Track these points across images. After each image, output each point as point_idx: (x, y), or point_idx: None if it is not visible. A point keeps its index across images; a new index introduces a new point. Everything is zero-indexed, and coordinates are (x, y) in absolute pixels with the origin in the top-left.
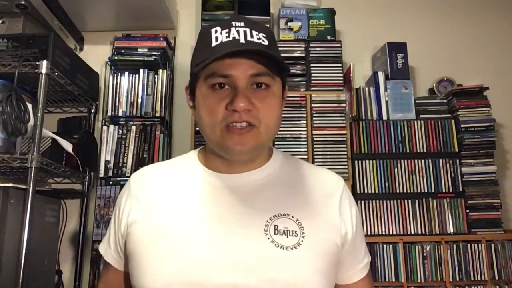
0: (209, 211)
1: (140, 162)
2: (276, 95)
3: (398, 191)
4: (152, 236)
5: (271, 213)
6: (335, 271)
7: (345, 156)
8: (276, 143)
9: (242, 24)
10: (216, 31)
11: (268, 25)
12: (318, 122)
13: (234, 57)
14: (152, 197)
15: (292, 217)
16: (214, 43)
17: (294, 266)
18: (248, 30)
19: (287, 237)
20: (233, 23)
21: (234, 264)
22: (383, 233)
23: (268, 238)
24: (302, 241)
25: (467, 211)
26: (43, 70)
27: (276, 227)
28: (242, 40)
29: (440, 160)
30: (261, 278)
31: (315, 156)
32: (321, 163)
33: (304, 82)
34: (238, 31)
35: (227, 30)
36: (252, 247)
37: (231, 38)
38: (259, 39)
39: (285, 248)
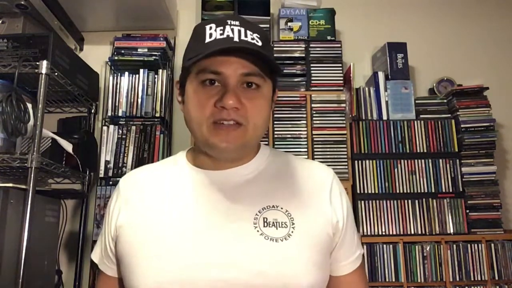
0: (197, 208)
1: (140, 162)
2: (266, 96)
3: (398, 191)
4: (141, 237)
5: (260, 206)
6: (328, 262)
7: (345, 156)
8: (276, 143)
9: (237, 23)
10: (211, 28)
11: (267, 26)
12: (318, 122)
13: (226, 54)
14: (140, 199)
15: (282, 208)
16: (208, 39)
17: (284, 258)
18: (242, 29)
19: (277, 228)
20: (229, 21)
21: (224, 260)
22: (383, 233)
23: (258, 231)
24: (292, 232)
25: (467, 211)
26: (43, 70)
27: (265, 219)
28: (236, 39)
29: (440, 160)
30: (251, 272)
31: (315, 156)
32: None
33: (304, 82)
34: (232, 30)
35: (221, 27)
36: (241, 241)
37: (225, 36)
38: (253, 39)
39: (274, 240)
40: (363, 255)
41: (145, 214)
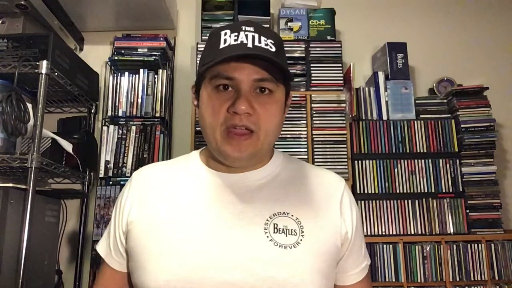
0: (209, 209)
1: (140, 162)
2: (279, 101)
3: (398, 191)
4: (152, 235)
5: (271, 211)
6: (334, 271)
7: (345, 156)
8: (276, 143)
9: (251, 29)
10: (225, 34)
11: (267, 26)
12: (318, 122)
13: (240, 60)
14: (152, 196)
15: (292, 215)
16: (222, 45)
17: (291, 265)
18: (256, 35)
19: (286, 235)
20: (243, 27)
21: (232, 262)
22: (383, 233)
23: (268, 237)
24: (301, 240)
25: (467, 211)
26: (43, 70)
27: (275, 225)
28: (250, 45)
29: (440, 160)
30: (259, 277)
31: (315, 156)
32: (321, 163)
33: (304, 82)
34: (246, 36)
35: (236, 33)
36: (250, 245)
37: (239, 42)
38: (266, 45)
39: (283, 247)
40: (370, 265)
41: (156, 212)
